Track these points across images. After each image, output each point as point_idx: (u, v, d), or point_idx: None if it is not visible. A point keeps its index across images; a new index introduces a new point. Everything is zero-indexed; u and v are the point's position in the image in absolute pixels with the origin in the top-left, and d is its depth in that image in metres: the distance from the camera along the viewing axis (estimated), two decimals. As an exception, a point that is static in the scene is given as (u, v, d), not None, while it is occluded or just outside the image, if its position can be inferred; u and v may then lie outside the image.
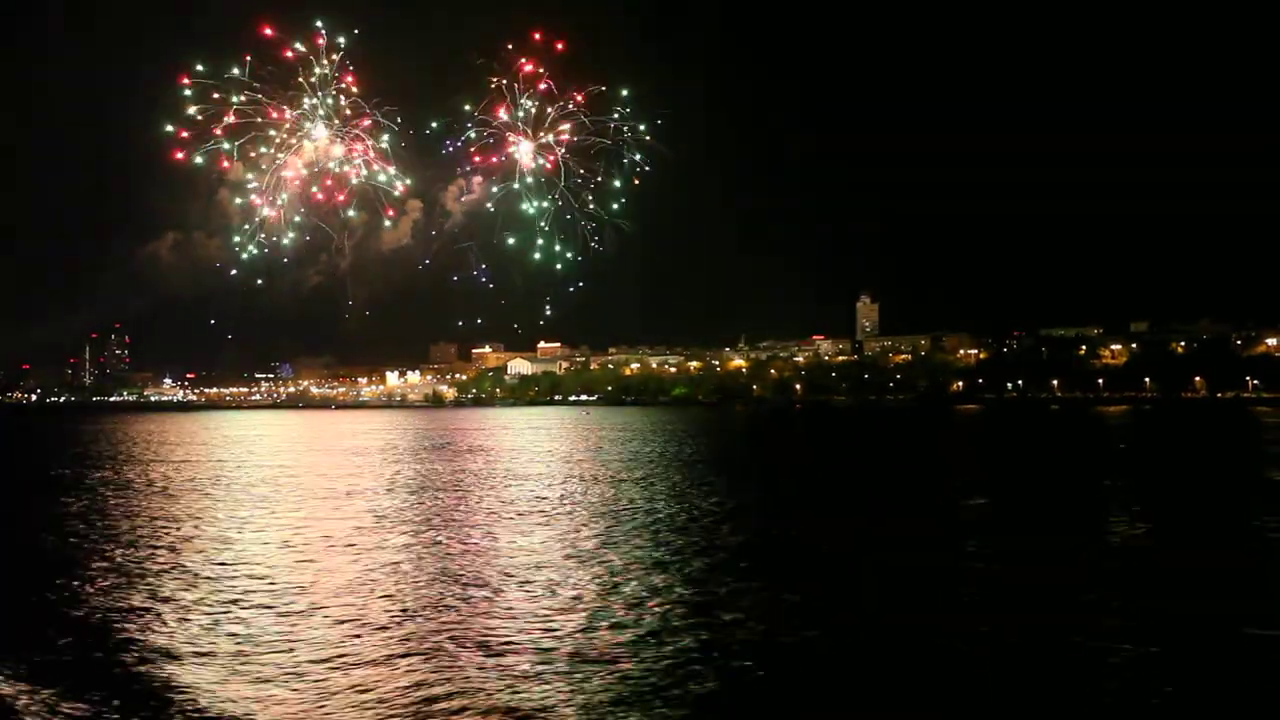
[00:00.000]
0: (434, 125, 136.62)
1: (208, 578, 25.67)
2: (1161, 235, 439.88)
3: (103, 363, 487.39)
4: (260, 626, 20.23)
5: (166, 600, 22.85)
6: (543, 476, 55.26)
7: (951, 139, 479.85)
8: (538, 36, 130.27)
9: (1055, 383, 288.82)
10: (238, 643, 18.87)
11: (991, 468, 65.64)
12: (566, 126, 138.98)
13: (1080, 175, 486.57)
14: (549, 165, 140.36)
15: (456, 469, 61.90)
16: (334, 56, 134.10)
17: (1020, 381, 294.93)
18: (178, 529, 35.33)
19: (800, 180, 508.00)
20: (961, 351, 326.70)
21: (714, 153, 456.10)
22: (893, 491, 47.91)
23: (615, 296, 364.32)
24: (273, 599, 22.83)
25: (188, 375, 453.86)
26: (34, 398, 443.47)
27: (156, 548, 30.97)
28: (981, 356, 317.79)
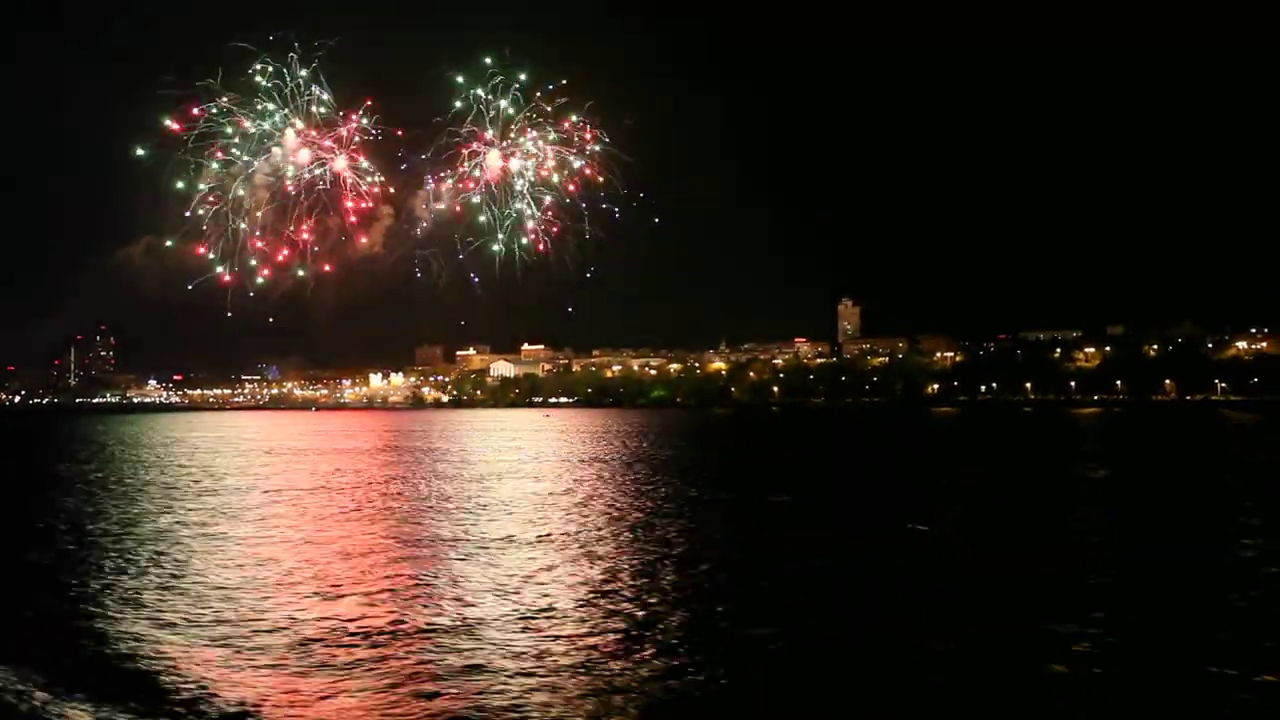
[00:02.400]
0: (402, 133, 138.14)
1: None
2: (1146, 238, 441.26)
3: (88, 364, 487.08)
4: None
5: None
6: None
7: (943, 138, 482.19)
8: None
9: (1029, 385, 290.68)
10: None
11: (946, 470, 64.71)
12: (534, 134, 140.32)
13: (1070, 176, 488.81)
14: (516, 172, 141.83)
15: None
16: (303, 69, 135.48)
17: (995, 384, 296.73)
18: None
19: (787, 182, 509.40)
20: (938, 354, 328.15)
21: (699, 158, 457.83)
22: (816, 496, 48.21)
23: (602, 301, 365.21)
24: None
25: (175, 377, 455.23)
26: (17, 400, 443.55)
27: None
28: (958, 359, 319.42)
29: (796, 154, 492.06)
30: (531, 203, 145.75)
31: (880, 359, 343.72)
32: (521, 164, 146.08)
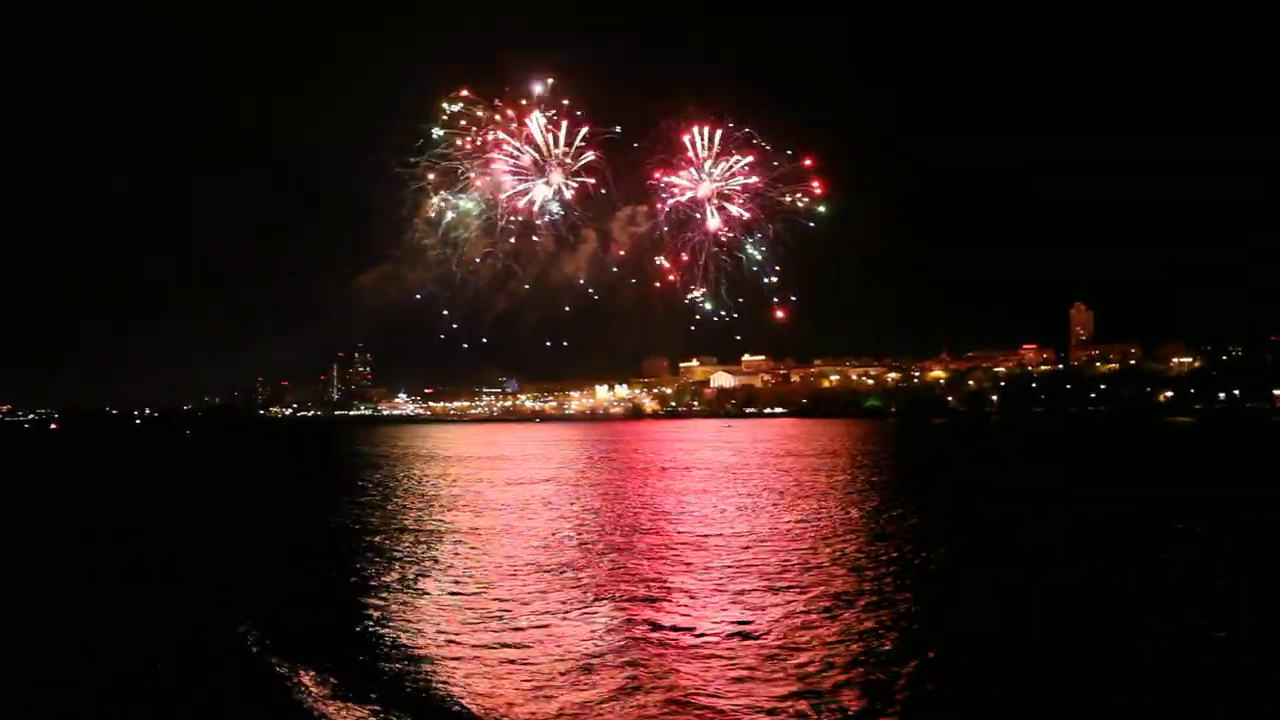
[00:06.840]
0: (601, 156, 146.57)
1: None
2: None
3: (348, 379, 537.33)
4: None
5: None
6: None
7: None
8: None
9: (1277, 393, 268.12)
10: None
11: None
12: (732, 157, 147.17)
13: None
14: (714, 194, 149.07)
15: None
16: (524, 104, 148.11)
17: (1237, 391, 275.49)
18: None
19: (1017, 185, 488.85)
20: (1175, 360, 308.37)
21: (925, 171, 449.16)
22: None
23: (828, 312, 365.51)
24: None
25: (426, 390, 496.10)
26: (288, 412, 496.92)
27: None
28: (1196, 365, 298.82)
29: (1030, 159, 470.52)
30: (741, 223, 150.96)
31: (1110, 365, 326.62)
32: (718, 187, 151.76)
